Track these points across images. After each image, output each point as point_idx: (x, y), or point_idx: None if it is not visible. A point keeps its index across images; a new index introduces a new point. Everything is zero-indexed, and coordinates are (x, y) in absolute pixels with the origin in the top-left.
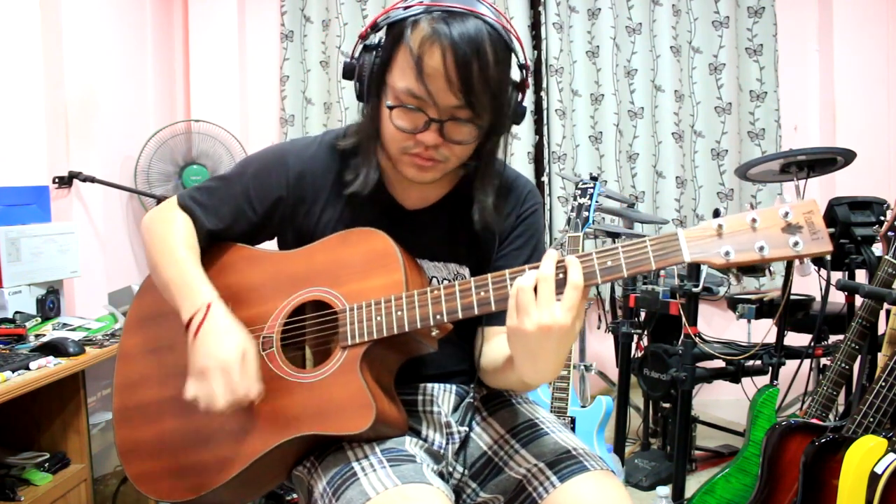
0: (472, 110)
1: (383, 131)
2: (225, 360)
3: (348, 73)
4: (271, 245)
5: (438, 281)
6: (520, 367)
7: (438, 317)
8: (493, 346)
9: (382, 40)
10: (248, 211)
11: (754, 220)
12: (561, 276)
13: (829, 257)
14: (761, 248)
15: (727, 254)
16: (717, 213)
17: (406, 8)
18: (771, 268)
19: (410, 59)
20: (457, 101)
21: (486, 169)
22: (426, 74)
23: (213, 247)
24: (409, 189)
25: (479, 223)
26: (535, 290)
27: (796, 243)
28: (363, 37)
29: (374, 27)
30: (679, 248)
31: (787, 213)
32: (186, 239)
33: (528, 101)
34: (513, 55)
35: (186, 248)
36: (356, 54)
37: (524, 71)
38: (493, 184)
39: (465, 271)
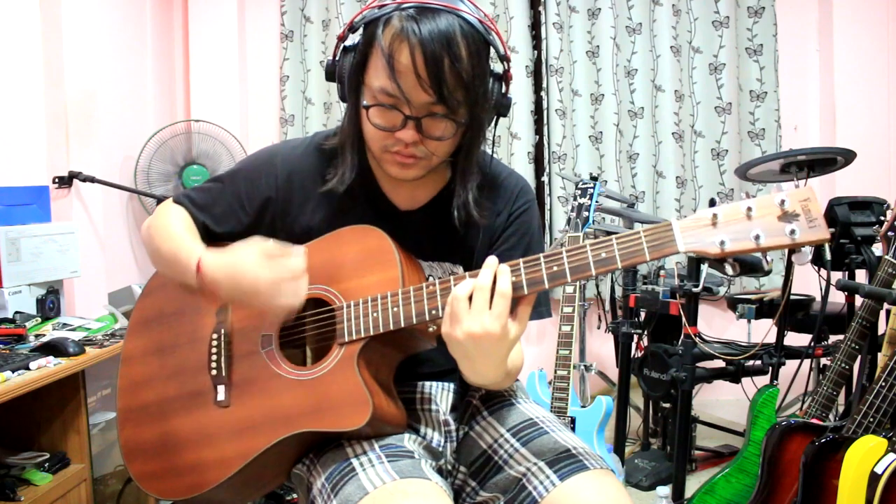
0: (446, 106)
1: (364, 130)
2: (255, 283)
3: (330, 74)
4: None
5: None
6: (462, 370)
7: (434, 312)
8: None
9: (358, 41)
10: (239, 212)
11: (750, 209)
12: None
13: (829, 257)
14: (757, 237)
15: (722, 243)
16: (712, 203)
17: (380, 7)
18: (769, 257)
19: (382, 58)
20: (429, 98)
21: (465, 164)
22: (397, 72)
23: (210, 247)
24: (401, 189)
25: (458, 219)
26: (471, 298)
27: (793, 231)
28: (341, 38)
29: (352, 28)
30: (673, 238)
31: (783, 202)
32: (184, 222)
33: (528, 100)
34: (492, 48)
35: (183, 227)
36: (337, 56)
37: (506, 63)
38: (473, 178)
39: (459, 270)
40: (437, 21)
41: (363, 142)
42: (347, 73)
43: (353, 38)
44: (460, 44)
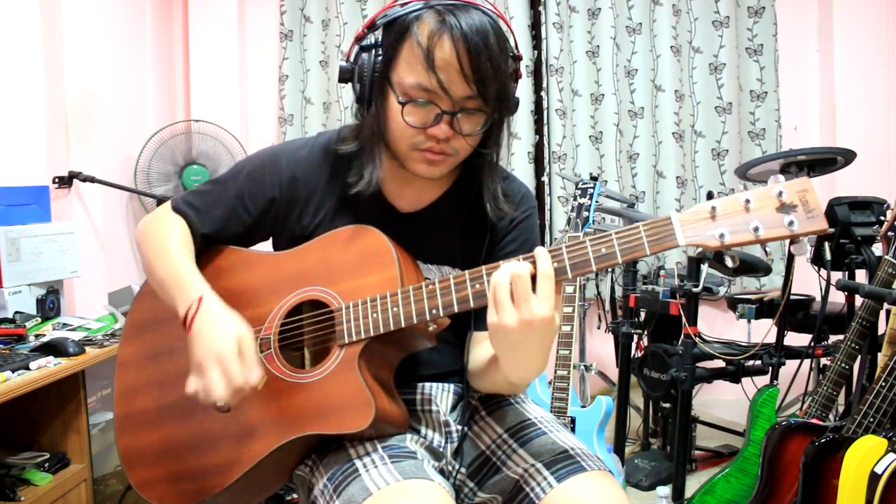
0: (483, 99)
1: (391, 129)
2: (219, 350)
3: (345, 75)
4: (266, 246)
5: None
6: (504, 364)
7: (434, 311)
8: (482, 349)
9: (381, 39)
10: (241, 213)
11: (748, 201)
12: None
13: (829, 257)
14: (756, 229)
15: (722, 236)
16: (710, 196)
17: (403, 5)
18: (767, 248)
19: (419, 53)
20: (469, 92)
21: (493, 158)
22: (437, 66)
23: (208, 250)
24: (403, 191)
25: (492, 212)
26: (511, 285)
27: (791, 222)
28: (359, 38)
29: (372, 27)
30: (673, 232)
31: (781, 193)
32: (181, 238)
33: (528, 100)
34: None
35: (180, 246)
36: (352, 57)
37: (517, 62)
38: (500, 173)
39: None
40: (471, 16)
41: (385, 141)
42: (370, 72)
43: (375, 37)
44: (493, 40)
